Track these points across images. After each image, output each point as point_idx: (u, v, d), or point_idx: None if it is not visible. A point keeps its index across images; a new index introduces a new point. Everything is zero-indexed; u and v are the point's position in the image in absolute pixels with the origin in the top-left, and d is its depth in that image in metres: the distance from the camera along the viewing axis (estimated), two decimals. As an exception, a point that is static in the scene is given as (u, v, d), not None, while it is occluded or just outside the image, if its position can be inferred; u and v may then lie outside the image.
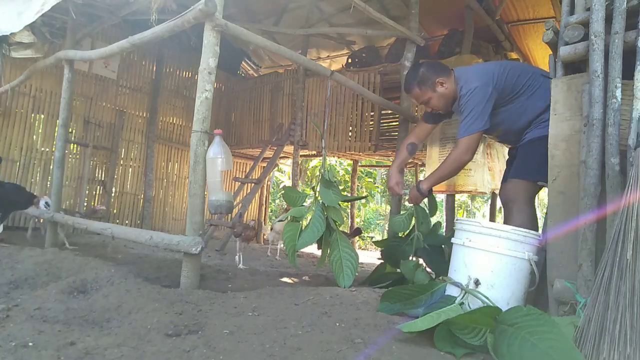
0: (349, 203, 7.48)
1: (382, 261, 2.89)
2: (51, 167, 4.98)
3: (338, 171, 10.40)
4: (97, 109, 5.78)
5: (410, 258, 2.62)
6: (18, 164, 5.01)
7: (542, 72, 2.37)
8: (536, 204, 2.50)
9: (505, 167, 2.73)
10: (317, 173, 9.90)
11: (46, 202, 3.44)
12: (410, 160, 6.64)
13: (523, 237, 1.82)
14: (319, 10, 5.54)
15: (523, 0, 4.72)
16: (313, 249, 3.39)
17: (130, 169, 6.24)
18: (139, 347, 1.33)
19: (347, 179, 9.73)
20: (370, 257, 6.46)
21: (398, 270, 2.65)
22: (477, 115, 2.25)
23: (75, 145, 5.56)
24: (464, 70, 2.45)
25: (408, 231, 2.76)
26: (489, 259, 1.82)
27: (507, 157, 2.73)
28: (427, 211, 2.73)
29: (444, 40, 5.30)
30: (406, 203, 3.28)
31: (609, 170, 1.54)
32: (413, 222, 2.71)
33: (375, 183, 11.98)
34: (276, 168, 8.66)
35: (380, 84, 5.38)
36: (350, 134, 5.72)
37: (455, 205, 5.54)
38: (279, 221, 3.60)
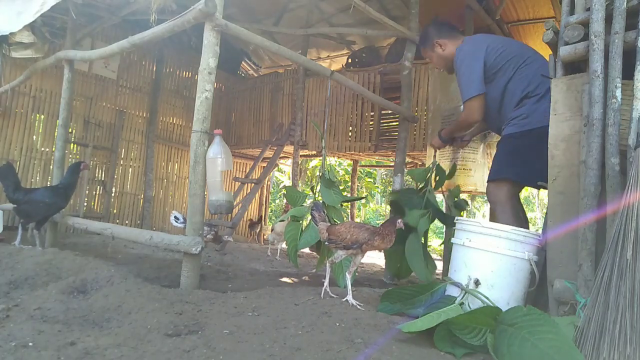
0: (349, 203, 7.48)
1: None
2: (51, 167, 4.97)
3: (338, 171, 10.39)
4: (97, 109, 5.78)
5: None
6: (18, 164, 5.01)
7: (541, 72, 2.36)
8: (536, 203, 2.52)
9: None
10: (317, 173, 9.89)
11: None
12: (409, 160, 6.68)
13: (523, 237, 1.82)
14: (319, 10, 5.54)
15: (523, 0, 4.72)
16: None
17: (130, 169, 6.24)
18: (139, 347, 1.33)
19: (347, 179, 9.73)
20: (369, 257, 6.46)
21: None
22: (467, 79, 2.34)
23: (75, 145, 5.55)
24: (471, 36, 2.58)
25: (422, 186, 2.88)
26: (489, 259, 1.82)
27: None
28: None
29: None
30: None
31: (609, 170, 1.54)
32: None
33: (375, 183, 11.97)
34: (276, 168, 8.66)
35: (380, 84, 5.38)
36: (350, 134, 5.72)
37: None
38: (280, 221, 3.57)
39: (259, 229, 7.03)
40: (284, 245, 3.49)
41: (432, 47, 2.56)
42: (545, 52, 2.09)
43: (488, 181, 2.42)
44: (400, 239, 2.58)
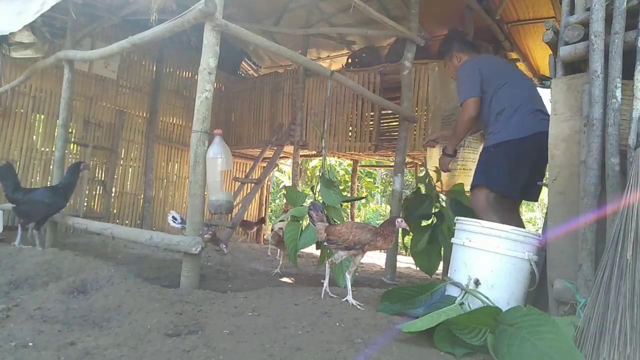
0: (349, 203, 7.48)
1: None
2: (51, 167, 4.97)
3: (338, 171, 10.39)
4: (97, 109, 5.77)
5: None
6: (18, 164, 5.01)
7: (520, 92, 2.56)
8: (536, 203, 2.60)
9: None
10: (317, 173, 9.90)
11: None
12: (409, 160, 6.69)
13: (523, 237, 1.82)
14: (319, 10, 5.54)
15: (523, 0, 4.72)
16: (313, 249, 3.38)
17: (130, 169, 6.23)
18: (139, 347, 1.33)
19: (347, 179, 9.73)
20: (369, 257, 6.46)
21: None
22: (465, 85, 2.65)
23: (75, 145, 5.55)
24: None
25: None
26: (489, 259, 1.82)
27: None
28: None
29: (443, 40, 5.29)
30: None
31: (609, 170, 1.54)
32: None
33: (375, 183, 11.96)
34: (276, 168, 8.66)
35: (380, 84, 5.37)
36: (350, 134, 5.72)
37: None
38: (280, 221, 3.56)
39: (255, 229, 7.01)
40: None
41: (451, 57, 2.96)
42: (546, 52, 2.09)
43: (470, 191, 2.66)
44: (433, 239, 3.02)
